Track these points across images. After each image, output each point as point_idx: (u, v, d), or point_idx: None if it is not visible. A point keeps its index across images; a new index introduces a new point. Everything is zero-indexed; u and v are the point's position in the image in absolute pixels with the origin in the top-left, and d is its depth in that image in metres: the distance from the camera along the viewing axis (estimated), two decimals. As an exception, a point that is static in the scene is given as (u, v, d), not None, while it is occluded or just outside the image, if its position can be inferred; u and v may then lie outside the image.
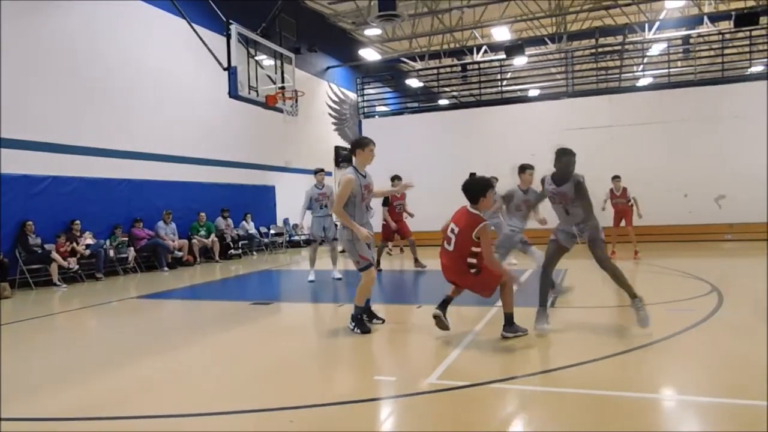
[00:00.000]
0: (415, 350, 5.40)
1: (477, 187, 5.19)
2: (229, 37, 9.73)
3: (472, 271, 5.08)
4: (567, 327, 5.88)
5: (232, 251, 15.17)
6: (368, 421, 3.52)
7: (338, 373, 4.78)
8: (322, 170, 10.25)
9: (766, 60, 17.40)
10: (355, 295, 5.83)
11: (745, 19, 16.86)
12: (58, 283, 10.41)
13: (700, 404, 3.63)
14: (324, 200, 9.72)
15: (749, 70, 17.74)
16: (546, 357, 4.89)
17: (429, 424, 3.43)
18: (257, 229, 16.89)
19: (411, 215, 11.84)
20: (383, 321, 6.13)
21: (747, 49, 17.22)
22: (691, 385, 4.02)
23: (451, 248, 5.16)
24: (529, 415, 3.60)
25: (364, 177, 5.90)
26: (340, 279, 9.71)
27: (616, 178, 11.78)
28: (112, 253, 11.88)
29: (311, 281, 9.64)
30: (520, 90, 22.78)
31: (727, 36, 18.73)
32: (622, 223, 11.70)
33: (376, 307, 6.37)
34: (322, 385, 4.32)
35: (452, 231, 5.13)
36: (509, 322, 5.18)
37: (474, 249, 5.05)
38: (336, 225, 9.60)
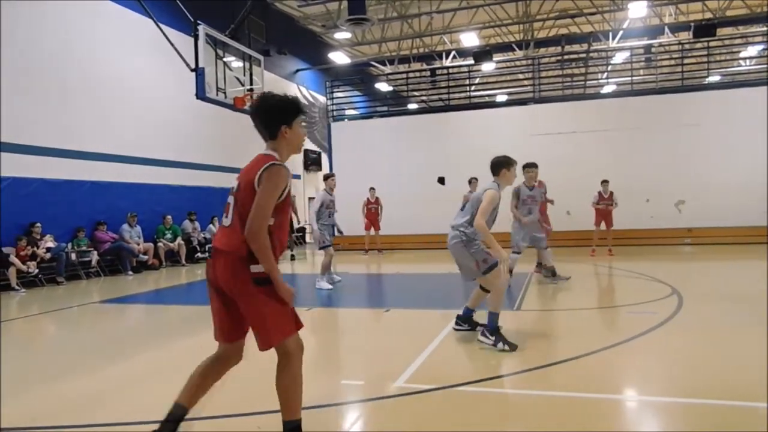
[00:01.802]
0: (382, 354, 5.41)
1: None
2: (196, 37, 9.60)
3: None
4: (533, 330, 5.97)
5: (199, 255, 14.96)
6: (335, 425, 3.52)
7: (305, 377, 4.74)
8: (333, 175, 9.56)
9: (722, 70, 18.01)
10: (491, 301, 5.11)
11: (704, 30, 17.45)
12: (16, 287, 10.10)
13: (661, 404, 3.73)
14: (333, 207, 9.42)
15: (707, 79, 18.32)
16: (512, 360, 4.95)
17: (396, 427, 3.45)
18: (224, 232, 16.68)
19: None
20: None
21: (705, 59, 17.79)
22: (654, 386, 4.12)
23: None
24: (496, 418, 3.65)
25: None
26: (339, 281, 9.67)
27: (605, 182, 12.63)
28: (74, 256, 11.59)
29: (330, 288, 9.08)
30: (488, 95, 23.04)
31: (687, 46, 19.32)
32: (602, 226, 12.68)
33: (344, 312, 6.37)
34: (289, 390, 4.29)
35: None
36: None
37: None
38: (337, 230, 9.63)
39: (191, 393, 2.96)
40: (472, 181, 12.75)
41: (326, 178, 9.52)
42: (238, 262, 2.75)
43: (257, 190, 2.74)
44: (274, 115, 3.01)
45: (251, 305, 2.79)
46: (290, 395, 2.97)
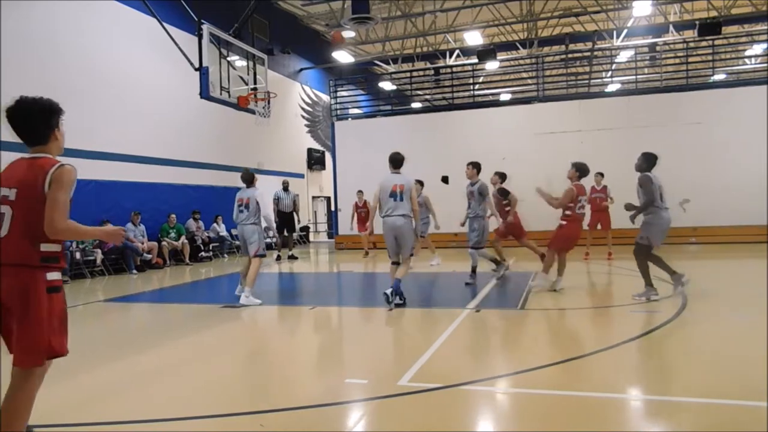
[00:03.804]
0: (386, 353, 5.41)
1: None
2: (200, 37, 9.61)
3: None
4: (537, 329, 5.97)
5: (203, 254, 14.98)
6: (339, 424, 3.52)
7: (310, 375, 4.77)
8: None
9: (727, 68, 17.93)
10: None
11: (709, 28, 17.36)
12: (21, 286, 10.13)
13: (664, 404, 3.72)
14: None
15: (712, 77, 18.26)
16: (516, 358, 4.95)
17: (400, 426, 3.45)
18: (228, 231, 16.71)
19: None
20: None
21: (710, 57, 17.72)
22: (657, 386, 4.11)
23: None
24: (500, 417, 3.65)
25: None
26: None
27: (598, 174, 12.13)
28: (78, 255, 11.63)
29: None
30: (492, 94, 23.01)
31: (692, 44, 19.25)
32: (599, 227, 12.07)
33: (347, 310, 6.38)
34: (293, 388, 4.30)
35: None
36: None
37: None
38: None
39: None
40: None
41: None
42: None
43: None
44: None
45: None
46: (19, 414, 2.74)
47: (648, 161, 7.32)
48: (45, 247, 2.69)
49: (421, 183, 10.95)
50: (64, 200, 2.69)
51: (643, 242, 7.20)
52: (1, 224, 2.68)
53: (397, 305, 6.95)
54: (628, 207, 7.45)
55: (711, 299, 7.24)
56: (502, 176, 10.31)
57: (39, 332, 2.63)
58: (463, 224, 9.27)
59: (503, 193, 10.12)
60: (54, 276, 2.70)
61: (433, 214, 11.30)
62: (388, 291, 6.94)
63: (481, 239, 8.85)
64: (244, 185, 8.62)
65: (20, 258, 2.64)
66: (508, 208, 9.77)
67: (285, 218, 14.62)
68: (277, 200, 14.62)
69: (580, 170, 8.08)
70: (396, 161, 7.49)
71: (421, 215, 8.70)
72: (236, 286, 8.28)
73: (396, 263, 7.27)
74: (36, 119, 2.89)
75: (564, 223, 7.90)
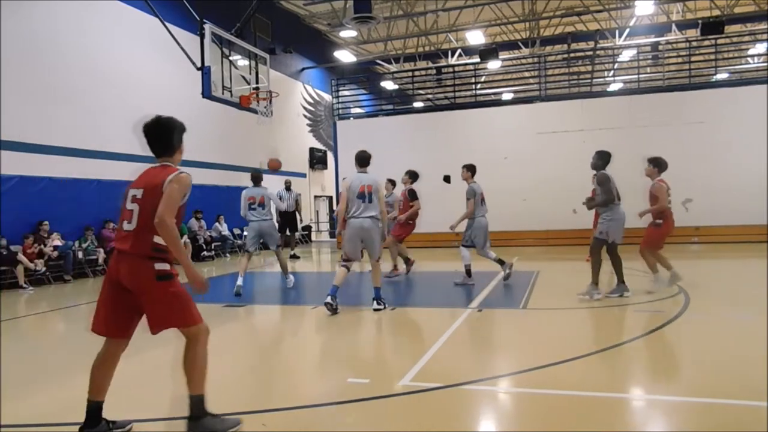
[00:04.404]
0: (388, 352, 5.42)
1: None
2: (202, 36, 9.62)
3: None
4: (539, 328, 5.97)
5: (205, 253, 15.00)
6: (341, 423, 3.52)
7: (311, 375, 4.77)
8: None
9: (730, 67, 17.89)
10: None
11: (711, 27, 17.33)
12: (24, 285, 10.15)
13: (665, 403, 3.72)
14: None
15: (715, 77, 18.22)
16: (518, 358, 4.95)
17: (402, 426, 3.45)
18: (231, 230, 16.74)
19: None
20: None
21: (713, 56, 17.68)
22: (659, 385, 4.11)
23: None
24: (503, 416, 3.65)
25: None
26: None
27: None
28: (81, 254, 11.65)
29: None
30: (494, 93, 23.00)
31: (694, 44, 19.21)
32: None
33: (349, 310, 6.38)
34: (295, 388, 4.30)
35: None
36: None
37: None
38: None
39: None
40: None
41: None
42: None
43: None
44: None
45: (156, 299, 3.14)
46: (196, 373, 3.27)
47: (603, 159, 7.48)
48: (157, 239, 3.09)
49: (392, 182, 10.70)
50: (176, 198, 3.10)
51: (602, 237, 7.27)
52: (131, 219, 3.14)
53: (377, 310, 6.78)
54: (588, 201, 7.64)
55: (712, 299, 7.23)
56: (413, 176, 10.25)
57: (155, 310, 3.14)
58: (453, 229, 9.02)
59: (412, 195, 10.06)
60: (162, 266, 3.12)
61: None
62: (329, 299, 6.60)
63: (470, 238, 8.70)
64: (251, 184, 8.86)
65: (138, 249, 3.08)
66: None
67: (287, 218, 14.65)
68: (279, 199, 14.65)
69: (659, 165, 8.00)
70: (362, 159, 7.08)
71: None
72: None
73: (346, 266, 6.92)
74: (169, 136, 3.44)
75: (660, 222, 7.77)
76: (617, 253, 7.31)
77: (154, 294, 3.09)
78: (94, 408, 3.19)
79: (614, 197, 7.24)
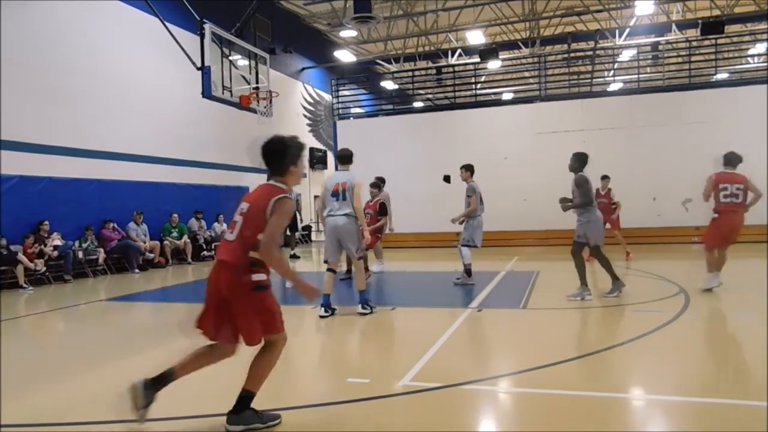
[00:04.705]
0: (388, 352, 5.41)
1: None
2: (202, 36, 9.63)
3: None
4: (539, 328, 5.96)
5: (205, 253, 14.99)
6: (341, 423, 3.52)
7: (311, 375, 4.77)
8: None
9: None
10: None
11: (712, 27, 17.32)
12: (24, 285, 10.14)
13: (665, 403, 3.71)
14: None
15: (715, 76, 18.21)
16: (518, 358, 4.94)
17: (402, 426, 3.45)
18: (230, 230, 16.73)
19: None
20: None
21: (713, 56, 17.68)
22: (660, 385, 4.11)
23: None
24: (503, 417, 3.65)
25: None
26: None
27: (604, 178, 11.80)
28: (81, 254, 11.64)
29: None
30: (494, 93, 23.00)
31: (694, 43, 19.21)
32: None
33: (349, 310, 6.39)
34: (295, 388, 4.30)
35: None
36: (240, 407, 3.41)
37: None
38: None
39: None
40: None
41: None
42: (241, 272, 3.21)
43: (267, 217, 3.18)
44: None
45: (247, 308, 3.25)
46: (260, 374, 3.39)
47: (580, 161, 7.38)
48: (253, 254, 3.18)
49: (382, 180, 10.50)
50: (279, 225, 3.21)
51: (581, 240, 7.25)
52: (234, 231, 3.27)
53: (362, 314, 6.58)
54: (563, 201, 7.45)
55: (712, 299, 7.22)
56: (379, 185, 10.13)
57: (247, 320, 3.22)
58: (455, 222, 9.02)
59: (381, 210, 9.95)
60: (259, 277, 3.21)
61: (390, 215, 10.47)
62: (321, 311, 6.55)
63: (470, 237, 8.68)
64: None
65: (236, 259, 3.19)
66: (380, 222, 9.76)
67: None
68: None
69: (728, 161, 7.87)
70: (342, 157, 6.87)
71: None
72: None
73: (332, 270, 6.73)
74: (280, 156, 3.43)
75: (715, 216, 7.54)
76: (603, 254, 7.28)
77: (247, 304, 3.21)
78: (244, 396, 3.36)
79: (591, 199, 7.18)
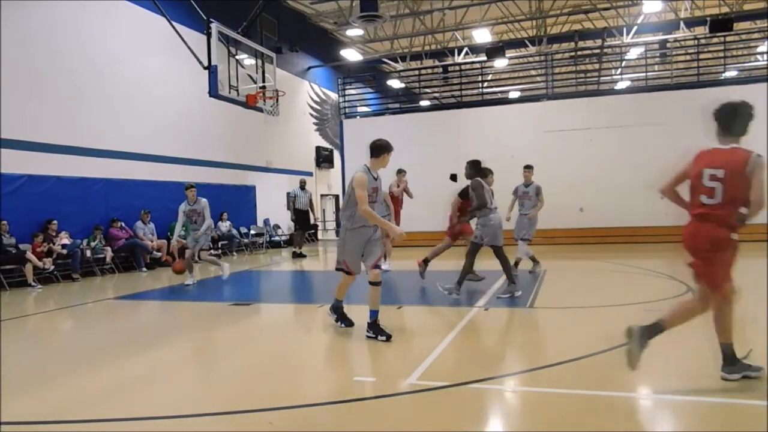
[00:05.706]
0: (394, 351, 5.40)
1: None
2: (209, 35, 9.65)
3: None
4: (547, 327, 5.94)
5: (212, 251, 15.02)
6: (348, 422, 3.52)
7: (318, 374, 4.77)
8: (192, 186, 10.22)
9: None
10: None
11: (720, 24, 17.20)
12: (33, 283, 10.21)
13: (679, 402, 3.69)
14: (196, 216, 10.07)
15: (724, 74, 18.08)
16: (526, 357, 4.93)
17: (409, 424, 3.44)
18: (237, 229, 16.76)
19: None
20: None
21: (721, 54, 17.55)
22: (670, 384, 4.08)
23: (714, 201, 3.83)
24: (510, 416, 3.63)
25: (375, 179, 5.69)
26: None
27: (400, 172, 11.58)
28: (89, 253, 11.70)
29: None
30: (501, 92, 22.94)
31: (703, 41, 19.07)
32: None
33: (356, 309, 6.37)
34: (301, 386, 4.30)
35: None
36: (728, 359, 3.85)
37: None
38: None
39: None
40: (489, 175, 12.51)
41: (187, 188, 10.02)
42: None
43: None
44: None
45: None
46: (723, 325, 3.84)
47: (475, 168, 7.73)
48: (742, 210, 3.70)
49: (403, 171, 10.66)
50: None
51: (477, 241, 7.49)
52: (713, 195, 3.82)
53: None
54: (462, 216, 8.13)
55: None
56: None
57: (719, 272, 3.77)
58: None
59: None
60: (735, 236, 3.74)
61: (392, 213, 10.47)
62: (336, 322, 5.97)
63: (479, 235, 8.65)
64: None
65: (723, 219, 3.74)
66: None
67: (302, 216, 14.83)
68: (293, 198, 14.92)
69: None
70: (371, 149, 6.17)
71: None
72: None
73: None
74: (729, 119, 4.13)
75: None
76: (503, 254, 7.50)
77: (717, 257, 3.77)
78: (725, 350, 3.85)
79: (486, 202, 7.44)
